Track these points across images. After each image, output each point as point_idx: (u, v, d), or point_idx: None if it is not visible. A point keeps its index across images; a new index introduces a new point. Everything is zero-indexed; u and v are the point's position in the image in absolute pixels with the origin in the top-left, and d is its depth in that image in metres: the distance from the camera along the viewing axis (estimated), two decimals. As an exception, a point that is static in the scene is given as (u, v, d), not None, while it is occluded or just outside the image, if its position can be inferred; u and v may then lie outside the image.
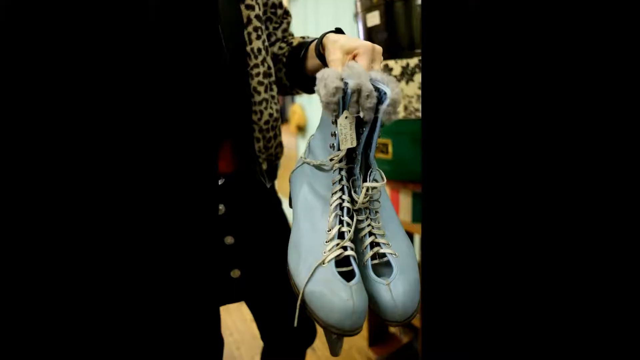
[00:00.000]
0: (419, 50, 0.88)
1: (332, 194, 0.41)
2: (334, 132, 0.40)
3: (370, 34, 0.93)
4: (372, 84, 0.39)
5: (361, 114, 0.38)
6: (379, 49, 0.44)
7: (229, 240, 0.58)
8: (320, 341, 1.51)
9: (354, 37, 0.48)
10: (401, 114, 0.92)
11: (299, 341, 0.76)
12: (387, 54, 0.91)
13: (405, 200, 1.03)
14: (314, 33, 1.83)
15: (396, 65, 0.90)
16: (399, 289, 0.37)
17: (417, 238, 1.51)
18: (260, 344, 1.61)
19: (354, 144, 0.39)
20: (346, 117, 0.38)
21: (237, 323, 1.60)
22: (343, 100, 0.38)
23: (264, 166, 0.60)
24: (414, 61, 0.88)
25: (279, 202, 0.69)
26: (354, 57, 0.43)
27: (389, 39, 0.90)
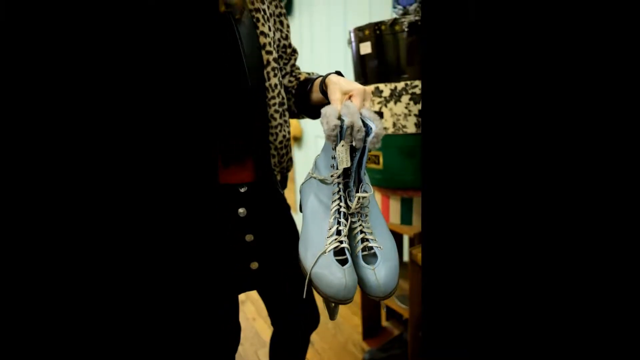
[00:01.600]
0: (405, 75, 1.02)
1: (332, 202, 0.54)
2: (334, 155, 0.53)
3: (362, 61, 1.07)
4: (362, 120, 0.52)
5: (353, 143, 0.51)
6: (369, 90, 0.57)
7: (249, 237, 0.70)
8: (318, 336, 1.62)
9: (350, 79, 0.61)
10: (390, 129, 1.06)
11: (304, 325, 0.88)
12: (378, 79, 1.05)
13: (395, 205, 1.17)
14: (308, 60, 1.97)
15: (386, 88, 1.04)
16: (382, 272, 0.50)
17: (405, 238, 1.64)
18: (261, 340, 1.71)
19: (349, 165, 0.52)
20: (342, 145, 0.51)
21: (241, 321, 1.72)
22: (340, 133, 0.51)
23: (278, 177, 0.73)
24: (400, 85, 1.02)
25: (288, 207, 0.82)
26: (350, 97, 0.56)
27: (379, 66, 1.03)
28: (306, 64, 2.06)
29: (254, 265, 0.72)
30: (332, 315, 0.51)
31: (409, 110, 1.02)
